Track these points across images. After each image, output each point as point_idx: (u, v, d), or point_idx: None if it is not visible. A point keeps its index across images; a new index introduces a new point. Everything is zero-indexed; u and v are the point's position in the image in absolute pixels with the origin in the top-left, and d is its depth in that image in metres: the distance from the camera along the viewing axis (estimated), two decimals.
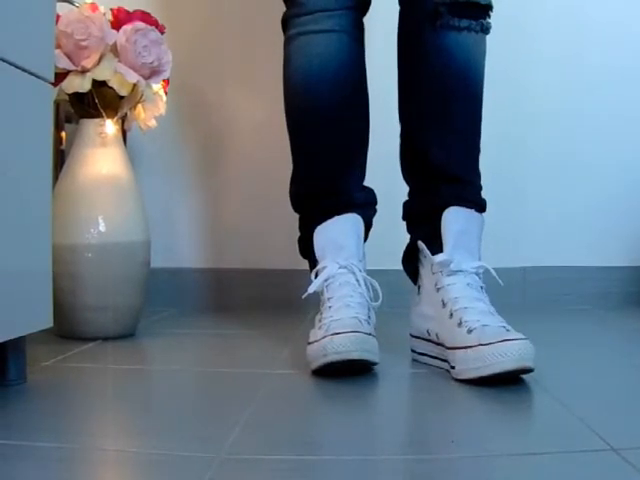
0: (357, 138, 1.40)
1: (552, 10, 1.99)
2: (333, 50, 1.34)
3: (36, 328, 1.12)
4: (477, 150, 1.37)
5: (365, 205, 1.38)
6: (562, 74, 1.99)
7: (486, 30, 1.32)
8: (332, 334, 1.15)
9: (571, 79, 1.99)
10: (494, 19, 1.33)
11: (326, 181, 1.38)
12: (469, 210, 1.29)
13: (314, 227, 1.34)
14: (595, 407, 1.00)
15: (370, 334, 1.18)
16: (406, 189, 1.40)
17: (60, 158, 1.74)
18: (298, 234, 1.42)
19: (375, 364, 1.19)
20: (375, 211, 1.41)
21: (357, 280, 1.28)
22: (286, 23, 1.38)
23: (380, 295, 1.29)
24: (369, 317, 1.25)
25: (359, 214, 1.34)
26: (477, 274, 1.26)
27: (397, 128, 1.40)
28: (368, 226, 1.39)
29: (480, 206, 1.33)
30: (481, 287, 1.25)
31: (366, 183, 1.41)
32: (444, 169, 1.33)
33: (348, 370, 1.16)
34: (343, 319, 1.20)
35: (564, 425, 0.93)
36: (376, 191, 1.41)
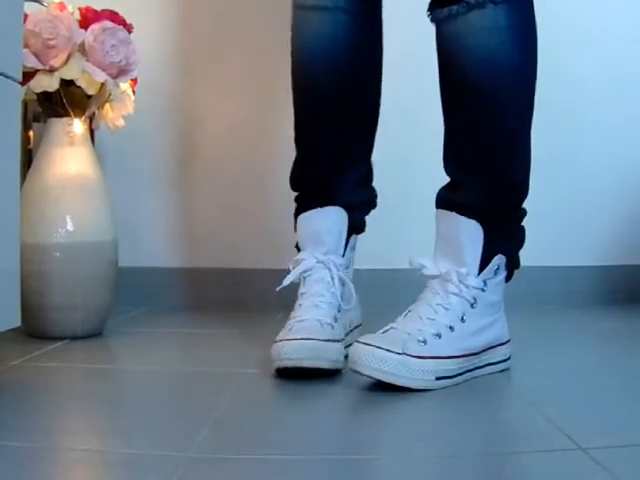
0: (353, 132, 1.32)
1: None
2: (326, 30, 1.26)
3: (4, 327, 1.11)
4: (475, 147, 1.20)
5: (359, 205, 1.34)
6: (561, 72, 1.99)
7: (480, 5, 1.13)
8: (287, 340, 1.15)
9: (569, 81, 1.98)
10: None
11: (319, 175, 1.32)
12: (452, 214, 1.18)
13: None
14: (563, 407, 1.01)
15: (329, 340, 1.16)
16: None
17: (28, 157, 1.73)
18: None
19: (333, 371, 1.16)
20: (368, 212, 1.36)
21: (332, 278, 1.27)
22: None
23: (354, 297, 1.29)
24: (336, 319, 1.24)
25: (347, 211, 1.30)
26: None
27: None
28: (360, 225, 1.36)
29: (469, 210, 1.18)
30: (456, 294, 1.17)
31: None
32: (445, 165, 1.24)
33: (307, 374, 1.15)
34: (305, 321, 1.20)
35: (532, 425, 0.94)
36: (379, 191, 1.36)
